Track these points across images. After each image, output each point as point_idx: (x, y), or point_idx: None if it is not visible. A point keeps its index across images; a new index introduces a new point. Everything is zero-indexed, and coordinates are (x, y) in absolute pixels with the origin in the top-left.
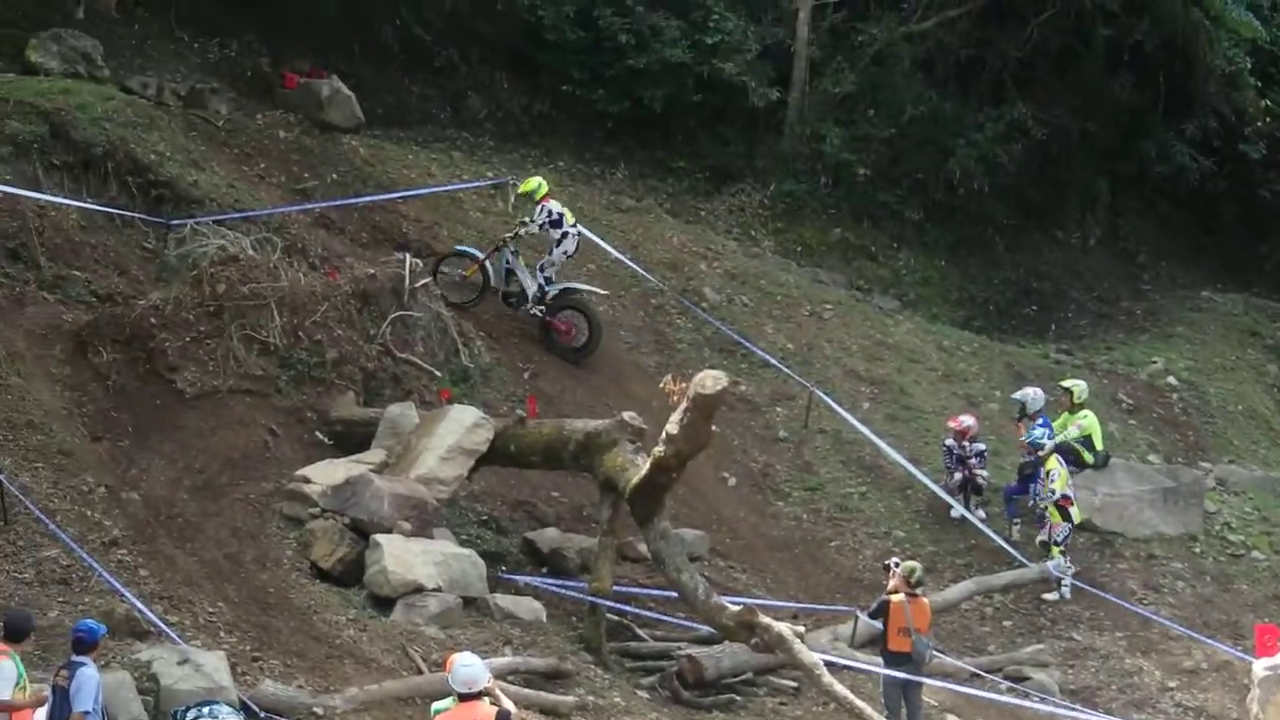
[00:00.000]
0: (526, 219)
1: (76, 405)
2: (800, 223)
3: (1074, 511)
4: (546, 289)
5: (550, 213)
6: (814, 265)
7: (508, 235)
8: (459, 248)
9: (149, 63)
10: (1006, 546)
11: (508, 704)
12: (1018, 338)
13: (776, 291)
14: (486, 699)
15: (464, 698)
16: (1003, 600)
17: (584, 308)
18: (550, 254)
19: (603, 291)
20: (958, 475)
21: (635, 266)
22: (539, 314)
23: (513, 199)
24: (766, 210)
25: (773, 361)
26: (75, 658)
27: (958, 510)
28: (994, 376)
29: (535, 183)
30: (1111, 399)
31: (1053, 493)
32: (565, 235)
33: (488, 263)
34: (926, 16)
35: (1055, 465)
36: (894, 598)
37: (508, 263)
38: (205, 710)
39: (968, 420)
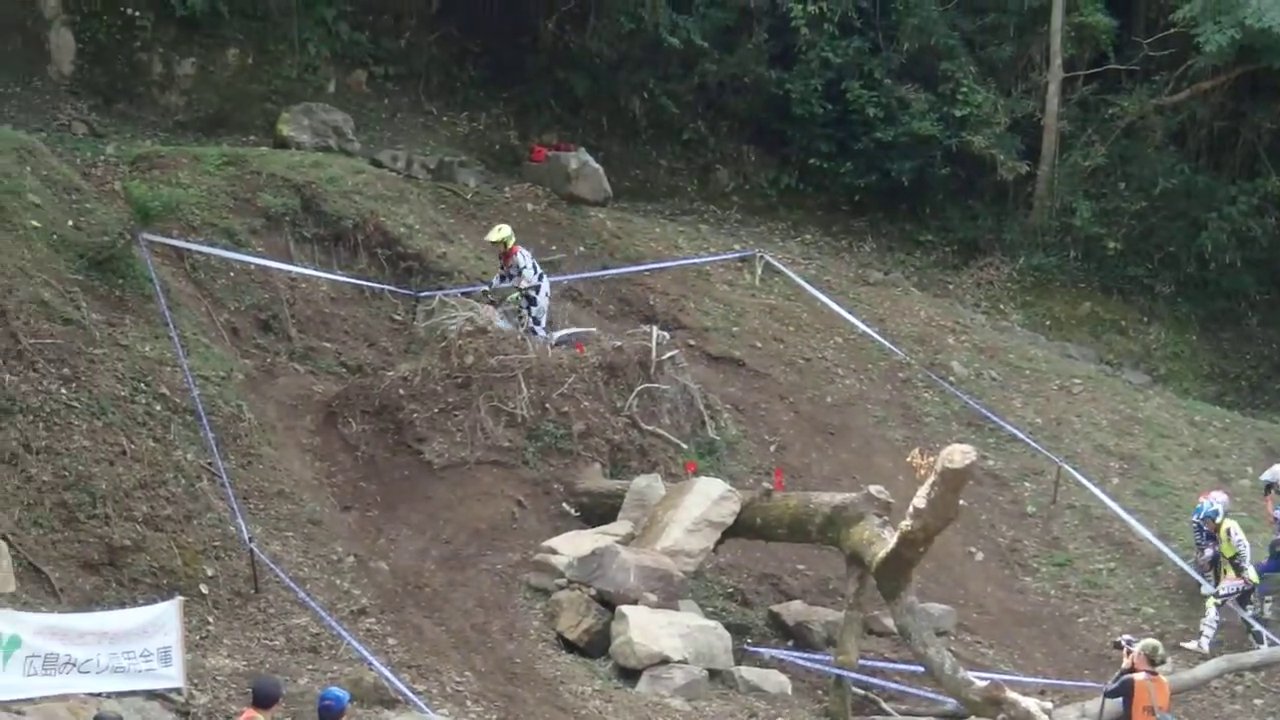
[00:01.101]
0: (501, 279)
1: (326, 475)
2: (1049, 296)
3: (1249, 574)
4: (549, 338)
5: (528, 258)
6: (1063, 339)
7: (499, 300)
8: None
9: (398, 136)
10: (1255, 625)
11: None
12: (1270, 413)
13: (1025, 366)
14: None
15: None
16: (1254, 679)
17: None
18: (536, 303)
19: (594, 330)
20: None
21: (882, 340)
22: None
23: (759, 271)
24: (1015, 284)
25: (1021, 436)
26: None
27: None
28: (1246, 452)
29: (508, 232)
30: None
31: (1231, 542)
32: (541, 277)
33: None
34: (1179, 89)
35: (1232, 524)
36: (1137, 676)
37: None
38: None
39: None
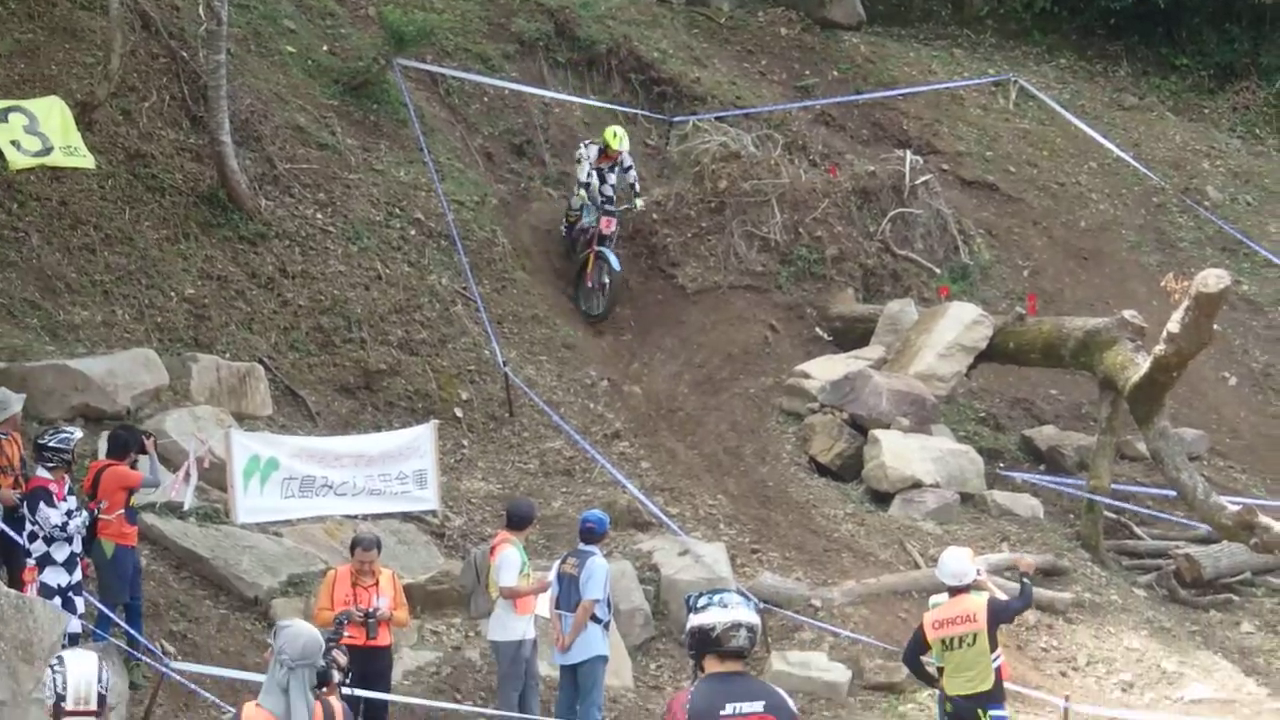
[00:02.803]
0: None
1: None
2: None
3: None
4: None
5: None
6: None
7: (625, 207)
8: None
9: None
10: None
11: (1001, 595)
12: None
13: None
14: (976, 591)
15: (954, 590)
16: None
17: None
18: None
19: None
20: None
21: (1137, 165)
22: None
23: (1013, 95)
24: (1272, 108)
25: (1276, 260)
26: (583, 547)
27: None
28: None
29: (624, 138)
30: None
31: None
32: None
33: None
34: None
35: None
36: None
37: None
38: (716, 598)
39: None
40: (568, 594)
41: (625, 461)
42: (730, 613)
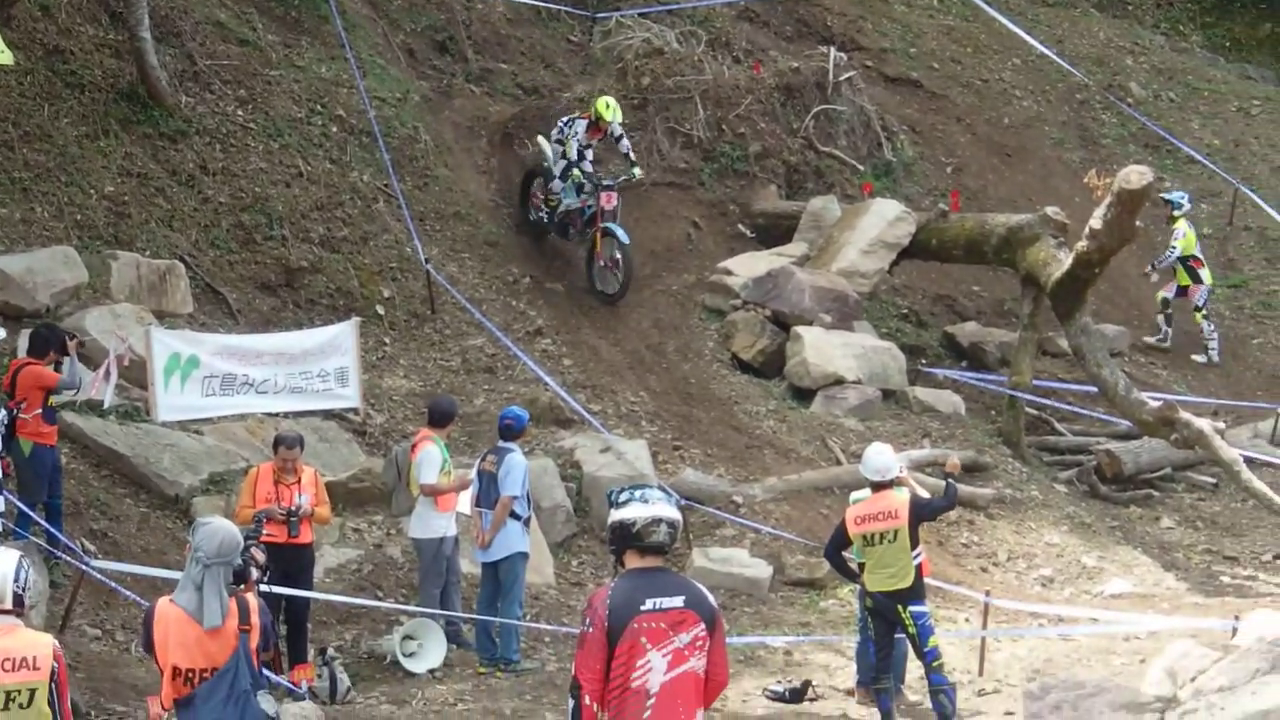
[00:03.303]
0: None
1: (502, 197)
2: (1230, 17)
3: (1204, 273)
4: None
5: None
6: (1242, 61)
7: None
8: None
9: None
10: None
11: (923, 492)
12: None
13: (1204, 87)
14: (898, 488)
15: (876, 486)
16: None
17: None
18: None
19: None
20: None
21: (1061, 61)
22: None
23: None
24: (1195, 4)
25: (1198, 158)
26: (502, 444)
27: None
28: None
29: (617, 108)
30: None
31: (1174, 249)
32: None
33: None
34: None
35: (1182, 225)
36: None
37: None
38: (637, 494)
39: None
40: (487, 491)
41: (547, 359)
42: (651, 508)
